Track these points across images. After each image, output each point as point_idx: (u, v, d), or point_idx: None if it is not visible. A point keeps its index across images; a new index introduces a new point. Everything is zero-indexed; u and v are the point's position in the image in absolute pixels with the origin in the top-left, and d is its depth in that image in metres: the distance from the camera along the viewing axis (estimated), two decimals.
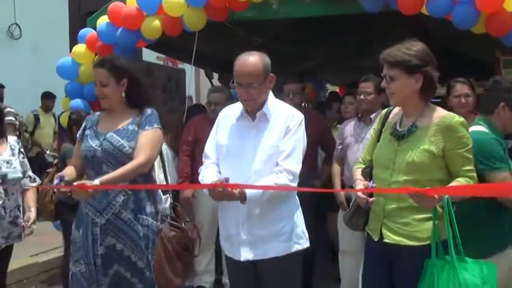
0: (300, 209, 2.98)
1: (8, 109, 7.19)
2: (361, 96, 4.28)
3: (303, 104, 4.90)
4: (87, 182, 2.88)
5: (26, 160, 3.90)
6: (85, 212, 3.07)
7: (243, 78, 2.82)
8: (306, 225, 2.99)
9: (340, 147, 4.45)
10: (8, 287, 5.29)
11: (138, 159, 3.00)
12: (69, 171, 3.09)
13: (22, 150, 3.92)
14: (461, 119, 2.62)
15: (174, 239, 3.16)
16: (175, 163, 5.07)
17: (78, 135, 3.25)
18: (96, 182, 2.86)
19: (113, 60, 3.15)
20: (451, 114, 2.65)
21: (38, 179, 4.00)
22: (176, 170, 5.00)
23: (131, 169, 2.97)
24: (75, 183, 2.91)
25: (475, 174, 2.60)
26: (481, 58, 6.34)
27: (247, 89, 2.82)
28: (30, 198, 3.89)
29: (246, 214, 2.83)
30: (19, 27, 9.37)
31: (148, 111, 3.17)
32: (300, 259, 2.97)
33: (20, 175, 3.78)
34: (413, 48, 2.62)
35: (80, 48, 4.99)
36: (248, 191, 2.70)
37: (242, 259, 2.86)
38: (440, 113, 2.65)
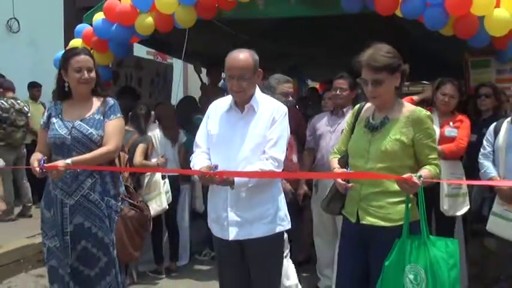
0: (283, 193, 3.08)
1: None
2: (337, 92, 4.42)
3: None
4: (61, 162, 3.00)
5: None
6: (53, 193, 3.16)
7: (235, 71, 2.90)
8: None
9: (310, 138, 4.58)
10: (6, 266, 5.34)
11: (109, 146, 3.14)
12: (39, 157, 3.13)
13: None
14: (428, 112, 2.76)
15: (134, 217, 3.29)
16: (174, 150, 5.29)
17: (42, 123, 3.31)
18: (68, 161, 3.00)
19: (88, 49, 3.25)
20: (419, 108, 2.78)
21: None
22: (178, 157, 5.26)
23: (102, 154, 3.12)
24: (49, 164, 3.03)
25: (438, 161, 2.74)
26: (452, 59, 6.44)
27: (239, 81, 2.90)
28: None
29: (234, 198, 2.92)
30: (17, 22, 9.27)
31: (111, 101, 3.28)
32: (283, 239, 3.09)
33: None
34: (387, 49, 2.70)
35: (76, 42, 4.99)
36: (236, 177, 2.78)
37: (230, 239, 2.95)
38: (409, 107, 2.78)
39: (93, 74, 3.19)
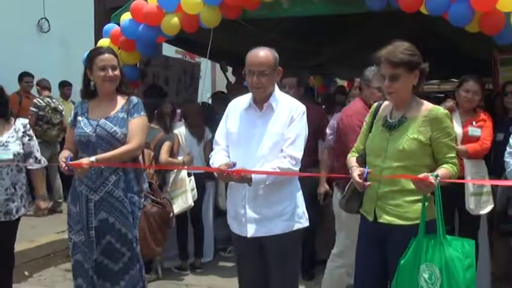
0: (301, 191, 3.13)
1: (34, 100, 7.46)
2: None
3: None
4: (85, 159, 3.12)
5: (32, 142, 3.90)
6: (79, 189, 3.27)
7: (255, 67, 2.97)
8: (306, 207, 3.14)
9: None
10: (36, 260, 5.53)
11: (132, 144, 3.24)
12: (66, 155, 3.26)
13: (29, 132, 3.90)
14: (446, 111, 2.76)
15: (157, 214, 3.40)
16: (199, 147, 5.40)
17: (70, 122, 3.43)
18: (93, 159, 3.12)
19: (112, 49, 3.41)
20: (437, 106, 2.78)
21: (43, 160, 4.00)
22: (203, 154, 5.33)
23: (124, 152, 3.22)
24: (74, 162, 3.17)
25: (456, 160, 2.74)
26: (479, 57, 6.37)
27: (259, 77, 2.96)
28: (38, 182, 3.97)
29: (252, 195, 2.98)
30: (48, 21, 9.52)
31: (134, 99, 3.38)
32: (301, 237, 3.12)
33: (11, 157, 3.73)
34: (407, 46, 2.73)
35: (104, 42, 5.13)
36: (254, 175, 2.85)
37: (249, 235, 3.00)
38: (427, 105, 2.78)
39: (117, 72, 3.30)
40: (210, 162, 3.11)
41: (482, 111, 4.31)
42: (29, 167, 3.90)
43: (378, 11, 4.44)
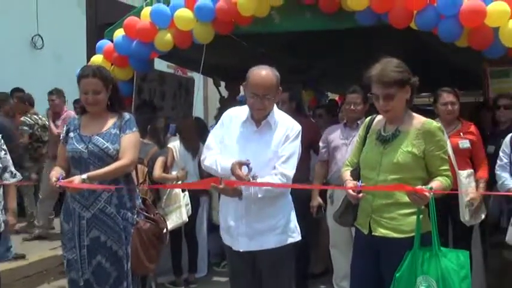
0: (293, 205, 3.13)
1: (21, 118, 7.31)
2: (351, 106, 4.45)
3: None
4: (77, 177, 3.07)
5: (7, 156, 3.84)
6: (72, 207, 3.24)
7: (260, 91, 2.95)
8: (298, 221, 3.14)
9: (324, 150, 4.61)
10: (29, 277, 5.46)
11: (124, 160, 3.21)
12: (58, 174, 3.20)
13: (4, 147, 3.83)
14: (439, 124, 2.80)
15: (149, 230, 3.36)
16: (194, 163, 5.34)
17: (61, 138, 3.40)
18: (84, 176, 3.07)
19: (101, 70, 3.34)
20: (430, 120, 2.81)
21: (18, 174, 3.92)
22: (198, 170, 5.25)
23: (117, 168, 3.19)
24: (65, 180, 3.09)
25: (450, 172, 2.77)
26: (470, 69, 6.44)
27: (263, 100, 2.96)
28: (11, 196, 3.87)
29: (244, 209, 2.98)
30: (41, 38, 9.52)
31: (127, 115, 3.36)
32: (293, 250, 3.11)
33: None
34: (396, 63, 2.75)
35: (97, 58, 5.13)
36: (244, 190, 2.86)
37: (241, 250, 3.00)
38: (420, 119, 2.81)
39: (100, 96, 3.24)
40: (209, 164, 3.06)
41: (469, 124, 4.34)
42: (5, 182, 3.80)
43: (367, 26, 4.50)
